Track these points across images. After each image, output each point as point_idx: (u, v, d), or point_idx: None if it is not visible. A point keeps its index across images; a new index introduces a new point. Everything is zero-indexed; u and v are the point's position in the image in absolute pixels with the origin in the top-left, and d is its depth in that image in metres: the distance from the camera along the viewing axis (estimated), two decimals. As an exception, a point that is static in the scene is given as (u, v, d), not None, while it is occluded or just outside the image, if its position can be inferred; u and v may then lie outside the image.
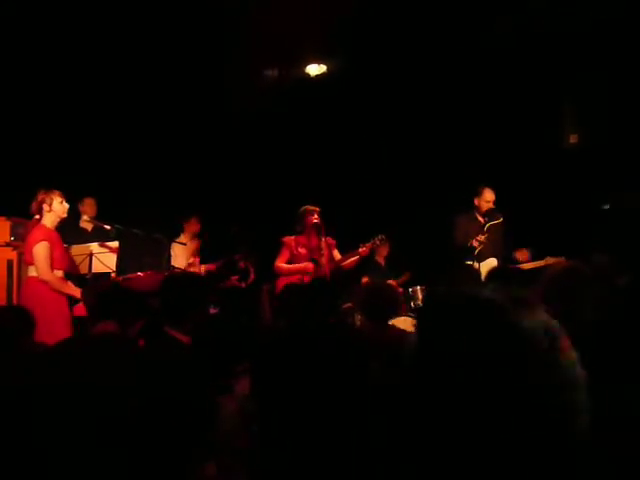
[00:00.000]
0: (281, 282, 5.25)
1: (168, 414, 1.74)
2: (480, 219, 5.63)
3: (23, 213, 5.03)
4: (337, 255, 5.42)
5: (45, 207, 4.36)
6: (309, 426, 1.83)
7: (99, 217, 5.55)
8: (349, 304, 5.01)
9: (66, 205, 4.49)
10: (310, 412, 1.82)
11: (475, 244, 5.40)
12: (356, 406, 1.87)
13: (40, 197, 4.38)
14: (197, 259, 6.32)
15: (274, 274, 5.39)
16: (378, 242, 5.42)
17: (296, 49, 6.16)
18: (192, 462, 1.65)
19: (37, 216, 4.40)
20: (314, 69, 6.57)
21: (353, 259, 5.39)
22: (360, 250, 5.34)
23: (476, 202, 5.69)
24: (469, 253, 5.58)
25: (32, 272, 4.32)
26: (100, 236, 5.24)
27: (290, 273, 5.20)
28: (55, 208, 4.38)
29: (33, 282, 4.28)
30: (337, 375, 1.81)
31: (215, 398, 1.73)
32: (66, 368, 1.83)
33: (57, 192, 4.42)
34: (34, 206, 4.40)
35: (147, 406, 1.83)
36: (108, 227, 4.94)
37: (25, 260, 4.45)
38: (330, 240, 5.39)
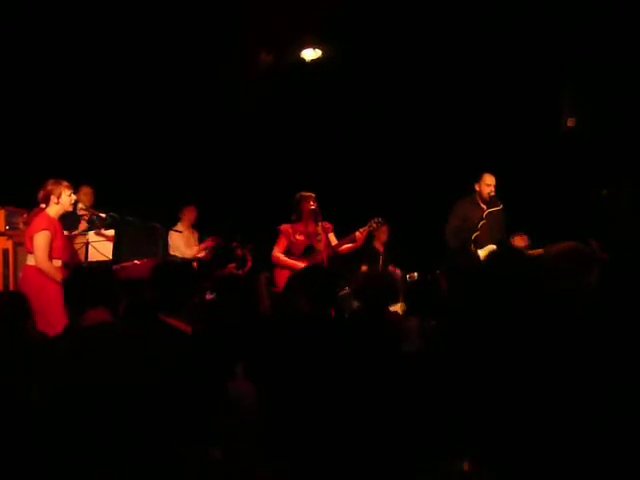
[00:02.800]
0: (279, 271, 5.23)
1: (169, 399, 1.73)
2: (482, 205, 5.60)
3: (18, 202, 5.00)
4: (334, 240, 5.36)
5: (53, 198, 4.35)
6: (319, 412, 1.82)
7: (95, 205, 5.52)
8: (346, 291, 4.99)
9: (73, 197, 4.49)
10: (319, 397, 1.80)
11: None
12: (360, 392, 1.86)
13: (49, 187, 4.37)
14: (196, 249, 6.30)
15: (271, 262, 5.35)
16: (375, 225, 5.34)
17: (291, 34, 6.10)
18: (196, 445, 1.64)
19: (43, 205, 4.39)
20: (309, 54, 6.51)
21: (350, 245, 5.32)
22: (357, 235, 5.27)
23: (477, 188, 5.63)
24: (467, 239, 5.57)
25: (31, 260, 4.31)
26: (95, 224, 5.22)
27: (285, 266, 5.16)
28: (63, 200, 4.38)
29: (31, 270, 4.28)
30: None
31: (219, 384, 1.72)
32: (70, 362, 1.81)
33: (66, 184, 4.42)
34: (42, 195, 4.39)
35: (150, 393, 1.82)
36: (103, 215, 4.93)
37: (25, 248, 4.43)
38: (327, 225, 5.34)
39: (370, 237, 6.25)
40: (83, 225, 5.28)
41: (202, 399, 1.58)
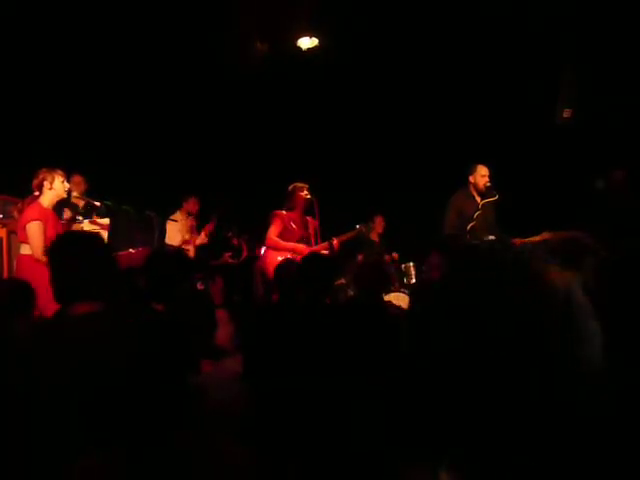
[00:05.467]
0: (269, 255, 5.22)
1: (150, 385, 1.73)
2: (477, 196, 5.58)
3: (12, 191, 4.98)
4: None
5: (46, 185, 4.34)
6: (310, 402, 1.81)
7: (90, 194, 5.48)
8: (341, 280, 4.99)
9: (67, 185, 4.49)
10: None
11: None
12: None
13: (42, 175, 4.36)
14: (194, 236, 6.28)
15: (264, 245, 5.33)
16: (363, 229, 5.42)
17: (287, 22, 6.05)
18: (172, 428, 1.64)
19: (37, 193, 4.37)
20: (306, 42, 6.45)
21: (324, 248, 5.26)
22: (334, 242, 5.24)
23: (471, 179, 5.61)
24: (463, 230, 5.56)
25: (24, 250, 4.29)
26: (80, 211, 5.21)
27: (282, 249, 5.15)
28: (56, 187, 4.37)
29: (25, 260, 4.25)
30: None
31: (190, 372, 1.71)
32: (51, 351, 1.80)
33: (59, 171, 4.42)
34: (35, 183, 4.37)
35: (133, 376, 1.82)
36: (98, 203, 4.91)
37: (18, 237, 4.40)
38: (313, 221, 5.35)
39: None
40: (67, 213, 5.25)
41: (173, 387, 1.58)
